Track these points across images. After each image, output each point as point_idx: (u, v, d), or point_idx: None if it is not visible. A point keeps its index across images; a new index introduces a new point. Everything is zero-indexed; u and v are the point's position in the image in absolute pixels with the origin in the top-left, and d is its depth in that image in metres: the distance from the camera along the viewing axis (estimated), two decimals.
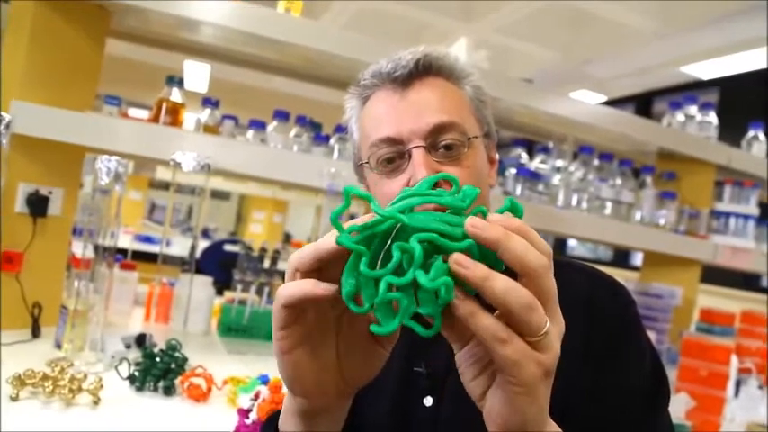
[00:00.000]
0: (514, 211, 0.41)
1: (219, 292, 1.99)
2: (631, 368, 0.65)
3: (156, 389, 1.15)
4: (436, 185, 0.51)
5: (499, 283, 0.36)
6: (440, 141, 0.69)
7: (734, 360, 1.61)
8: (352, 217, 0.41)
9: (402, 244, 0.38)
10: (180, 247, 3.47)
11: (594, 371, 0.63)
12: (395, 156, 0.70)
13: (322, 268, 0.42)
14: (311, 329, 0.44)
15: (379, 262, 0.40)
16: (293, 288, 0.41)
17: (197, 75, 4.21)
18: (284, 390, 0.48)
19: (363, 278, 0.39)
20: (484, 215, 0.40)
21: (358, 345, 0.45)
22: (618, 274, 0.83)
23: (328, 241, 0.40)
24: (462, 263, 0.37)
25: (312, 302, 0.42)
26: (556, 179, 1.86)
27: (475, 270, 0.36)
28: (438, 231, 0.38)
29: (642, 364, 0.66)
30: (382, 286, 0.37)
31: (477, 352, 0.42)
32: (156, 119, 1.50)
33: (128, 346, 1.34)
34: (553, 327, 0.38)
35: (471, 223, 0.38)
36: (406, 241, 0.38)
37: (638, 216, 1.95)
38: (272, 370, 1.25)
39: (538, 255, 0.38)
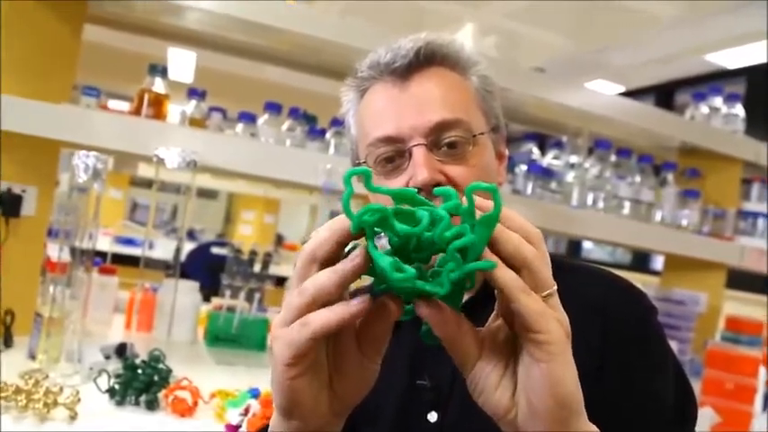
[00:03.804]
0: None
1: (206, 298, 1.99)
2: (652, 382, 0.65)
3: (137, 403, 1.15)
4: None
5: (514, 236, 0.41)
6: (443, 139, 0.68)
7: (762, 372, 1.61)
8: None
9: (424, 207, 0.40)
10: (164, 249, 3.48)
11: (611, 385, 0.63)
12: (394, 155, 0.69)
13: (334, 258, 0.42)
14: (317, 354, 0.44)
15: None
16: (328, 317, 0.40)
17: (182, 63, 4.21)
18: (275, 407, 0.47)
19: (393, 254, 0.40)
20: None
21: (348, 361, 0.45)
22: (637, 279, 0.83)
23: (342, 222, 0.40)
24: (482, 196, 0.41)
25: (346, 326, 0.42)
26: (570, 176, 1.86)
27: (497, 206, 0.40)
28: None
29: (665, 378, 0.66)
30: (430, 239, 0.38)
31: (492, 358, 0.43)
32: (137, 111, 1.50)
33: (107, 357, 1.34)
34: (556, 293, 0.42)
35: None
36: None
37: (658, 216, 1.95)
38: (263, 382, 1.24)
39: (535, 228, 0.43)
